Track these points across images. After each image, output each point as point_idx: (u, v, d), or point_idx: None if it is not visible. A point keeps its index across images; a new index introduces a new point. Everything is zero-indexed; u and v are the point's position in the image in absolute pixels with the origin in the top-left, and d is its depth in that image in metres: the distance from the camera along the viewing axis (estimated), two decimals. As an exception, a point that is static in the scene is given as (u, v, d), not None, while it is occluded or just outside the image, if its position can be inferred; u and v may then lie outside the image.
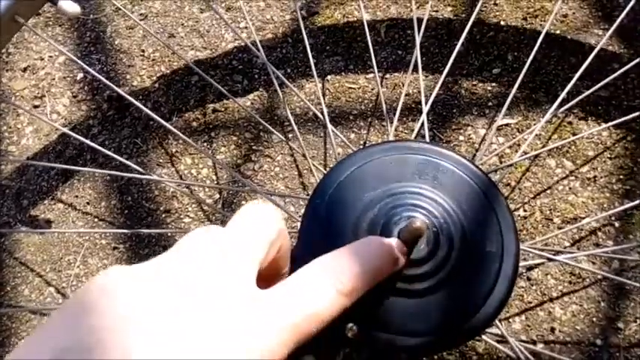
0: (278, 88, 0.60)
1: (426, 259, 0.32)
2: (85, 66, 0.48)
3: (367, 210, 0.33)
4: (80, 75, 0.73)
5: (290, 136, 0.67)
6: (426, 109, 0.48)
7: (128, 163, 0.51)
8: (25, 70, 0.74)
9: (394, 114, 0.58)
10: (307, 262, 0.24)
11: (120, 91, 0.48)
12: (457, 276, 0.33)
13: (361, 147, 0.38)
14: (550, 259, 0.53)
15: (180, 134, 0.50)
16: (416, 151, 0.36)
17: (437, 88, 0.54)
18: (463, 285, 0.33)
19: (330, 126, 0.49)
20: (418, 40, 0.49)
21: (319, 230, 0.34)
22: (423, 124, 0.49)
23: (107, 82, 0.48)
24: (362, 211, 0.33)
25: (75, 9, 0.41)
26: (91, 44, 0.75)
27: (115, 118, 0.70)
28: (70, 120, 0.70)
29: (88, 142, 0.48)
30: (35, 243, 0.65)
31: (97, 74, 0.47)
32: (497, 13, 0.70)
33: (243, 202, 0.64)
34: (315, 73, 0.51)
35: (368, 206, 0.34)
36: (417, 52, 0.48)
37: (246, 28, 0.73)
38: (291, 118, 0.54)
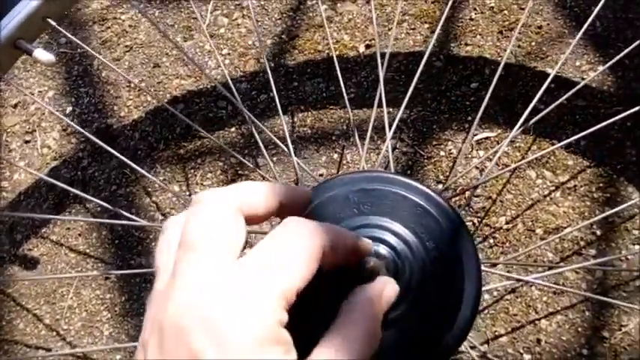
0: (254, 131, 0.61)
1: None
2: (42, 104, 0.49)
3: None
4: (69, 108, 0.75)
5: (275, 159, 0.68)
6: (389, 135, 0.49)
7: (123, 211, 0.52)
8: (15, 106, 0.76)
9: (372, 135, 0.59)
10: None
11: (86, 133, 0.49)
12: (424, 297, 0.33)
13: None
14: (519, 280, 0.53)
15: (154, 178, 0.52)
16: (347, 185, 0.35)
17: (400, 112, 0.55)
18: (431, 307, 0.34)
19: (294, 158, 0.50)
20: (382, 75, 0.50)
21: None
22: (387, 152, 0.50)
23: (77, 127, 0.50)
24: None
25: (49, 58, 0.43)
26: (79, 77, 0.77)
27: (103, 149, 0.71)
28: (60, 153, 0.72)
29: (71, 189, 0.49)
30: (29, 277, 0.66)
31: (62, 117, 0.48)
32: (474, 28, 0.71)
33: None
34: (279, 108, 0.52)
35: None
36: (381, 86, 0.49)
37: (229, 54, 0.75)
38: (265, 152, 0.55)
